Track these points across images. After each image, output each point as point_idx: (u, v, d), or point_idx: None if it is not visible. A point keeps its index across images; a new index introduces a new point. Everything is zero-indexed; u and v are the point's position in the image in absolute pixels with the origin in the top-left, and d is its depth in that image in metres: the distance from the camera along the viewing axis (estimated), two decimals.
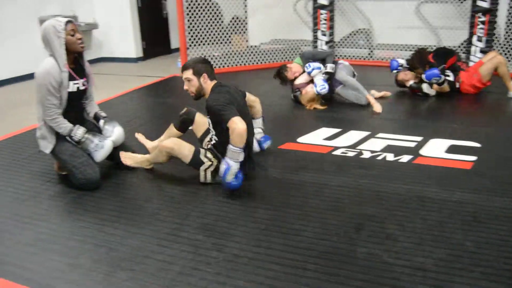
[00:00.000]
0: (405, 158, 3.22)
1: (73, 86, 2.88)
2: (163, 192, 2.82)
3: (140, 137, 3.48)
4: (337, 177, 2.93)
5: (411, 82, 4.99)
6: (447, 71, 4.80)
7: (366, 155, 3.31)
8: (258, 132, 3.32)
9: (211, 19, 6.73)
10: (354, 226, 2.33)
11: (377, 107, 4.34)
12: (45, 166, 3.27)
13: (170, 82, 6.37)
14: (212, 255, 2.12)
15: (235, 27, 7.09)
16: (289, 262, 2.04)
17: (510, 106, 4.63)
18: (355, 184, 2.82)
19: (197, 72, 2.79)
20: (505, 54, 6.03)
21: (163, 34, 9.06)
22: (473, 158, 3.18)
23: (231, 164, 2.59)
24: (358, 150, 3.40)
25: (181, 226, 2.38)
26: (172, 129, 3.23)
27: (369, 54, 7.26)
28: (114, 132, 3.01)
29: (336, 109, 4.54)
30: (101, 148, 2.88)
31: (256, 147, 3.23)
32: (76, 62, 2.93)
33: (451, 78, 4.82)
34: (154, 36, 8.67)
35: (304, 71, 4.65)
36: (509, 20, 6.07)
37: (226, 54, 7.06)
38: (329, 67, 4.57)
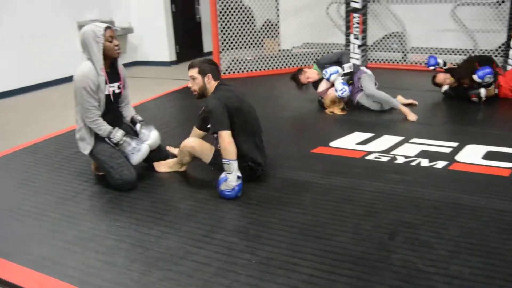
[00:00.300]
0: (440, 164, 3.16)
1: (108, 90, 2.97)
2: (197, 194, 2.86)
3: (170, 148, 3.54)
4: (370, 182, 2.91)
5: (446, 88, 4.90)
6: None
7: (400, 160, 3.27)
8: None
9: (243, 23, 6.79)
10: (388, 232, 2.31)
11: (412, 116, 4.21)
12: (83, 167, 3.38)
13: None
14: (246, 258, 2.14)
15: (267, 31, 7.13)
16: (322, 267, 2.05)
17: None
18: (389, 190, 2.79)
19: (202, 71, 2.86)
20: None
21: (196, 38, 9.20)
22: None
23: (227, 177, 2.68)
24: (392, 155, 3.36)
25: (215, 228, 2.42)
26: (195, 130, 3.31)
27: (402, 57, 7.16)
28: (150, 136, 3.08)
29: (368, 113, 4.50)
30: (138, 151, 2.95)
31: None
32: (112, 66, 3.01)
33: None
34: (187, 40, 8.82)
35: (323, 78, 4.63)
36: None
37: (258, 58, 7.10)
38: (347, 66, 4.53)
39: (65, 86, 6.87)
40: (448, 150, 3.41)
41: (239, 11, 6.70)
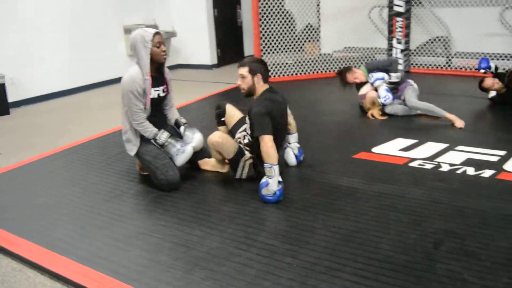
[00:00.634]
0: (487, 173, 3.07)
1: (154, 93, 3.06)
2: (239, 196, 2.90)
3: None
4: (414, 189, 2.86)
5: (493, 94, 4.75)
6: None
7: (445, 168, 3.20)
8: (297, 147, 3.36)
9: (284, 27, 6.82)
10: (432, 241, 2.27)
11: (459, 123, 4.10)
12: (128, 166, 3.49)
13: None
14: (287, 261, 2.15)
15: (308, 34, 7.12)
16: (365, 274, 2.03)
17: None
18: (434, 198, 2.73)
19: (253, 71, 2.90)
20: None
21: (237, 41, 9.29)
22: None
23: (268, 181, 2.70)
24: (436, 163, 3.29)
25: (257, 231, 2.44)
26: (218, 128, 3.37)
27: (447, 63, 6.99)
28: (194, 139, 3.14)
29: (412, 119, 4.42)
30: (182, 152, 3.02)
31: (293, 161, 3.31)
32: (158, 70, 3.09)
33: None
34: (228, 43, 8.92)
35: (367, 81, 4.58)
36: None
37: (299, 62, 7.10)
38: (394, 76, 4.47)
39: (111, 87, 7.10)
40: (495, 159, 3.31)
41: (280, 15, 6.73)
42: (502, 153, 3.41)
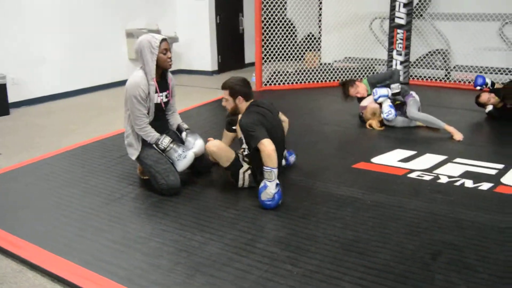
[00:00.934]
0: (485, 186, 3.10)
1: (157, 98, 3.08)
2: (239, 202, 2.91)
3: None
4: (413, 200, 2.89)
5: (490, 108, 4.80)
6: None
7: (443, 180, 3.23)
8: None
9: (285, 36, 6.87)
10: (431, 252, 2.29)
11: (458, 136, 4.13)
12: (128, 170, 3.50)
13: None
14: (287, 269, 2.17)
15: (309, 44, 7.18)
16: (365, 283, 2.04)
17: None
18: (432, 209, 2.76)
19: (233, 94, 2.99)
20: None
21: (238, 49, 9.34)
22: None
23: (267, 185, 2.73)
24: (435, 174, 3.32)
25: (257, 238, 2.45)
26: (225, 133, 3.45)
27: (446, 75, 7.05)
28: (196, 144, 3.16)
29: (411, 130, 4.46)
30: (184, 158, 3.04)
31: (283, 162, 3.34)
32: (162, 76, 3.11)
33: None
34: (230, 50, 8.97)
35: (369, 94, 4.62)
36: None
37: (299, 71, 7.14)
38: (394, 87, 4.49)
39: (112, 90, 7.13)
40: (493, 172, 3.34)
41: (281, 24, 6.78)
42: (500, 166, 3.44)
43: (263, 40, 6.74)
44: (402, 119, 4.52)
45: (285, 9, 6.90)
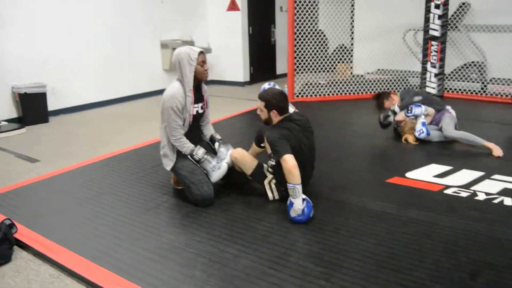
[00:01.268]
0: None
1: (193, 110, 3.12)
2: (271, 215, 2.91)
3: None
4: (449, 217, 2.82)
5: None
6: None
7: (481, 197, 3.14)
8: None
9: (317, 47, 6.87)
10: (469, 272, 2.23)
11: (498, 152, 4.01)
12: (162, 179, 3.56)
13: None
14: (320, 284, 2.15)
15: (340, 55, 7.15)
16: None
17: None
18: (470, 227, 2.69)
19: (268, 107, 3.01)
20: None
21: (269, 60, 9.40)
22: None
23: (292, 202, 2.74)
24: (472, 191, 3.24)
25: (290, 251, 2.45)
26: (253, 145, 3.47)
27: (482, 88, 6.89)
28: (228, 155, 3.19)
29: (446, 145, 4.37)
30: (218, 169, 3.07)
31: None
32: (197, 88, 3.16)
33: None
34: (261, 62, 9.05)
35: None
36: None
37: (331, 82, 7.12)
38: (429, 110, 4.45)
39: (147, 100, 7.28)
40: None
41: (313, 35, 6.79)
42: None
43: (295, 51, 6.76)
44: (438, 133, 4.44)
45: (317, 20, 6.91)
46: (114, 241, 2.62)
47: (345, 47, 7.26)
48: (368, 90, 7.15)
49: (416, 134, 4.39)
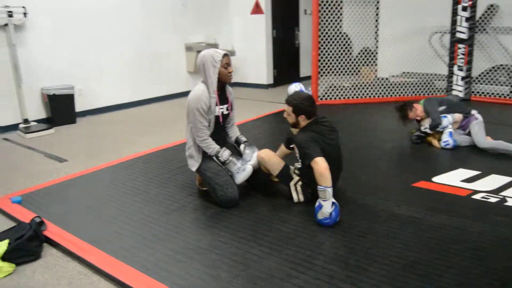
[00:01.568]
0: None
1: (218, 111, 3.14)
2: (296, 217, 2.91)
3: None
4: (478, 223, 2.76)
5: None
6: None
7: (510, 202, 3.07)
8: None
9: (341, 50, 6.83)
10: (499, 279, 2.18)
11: None
12: (187, 180, 3.59)
13: None
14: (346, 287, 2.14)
15: (365, 58, 7.10)
16: None
17: None
18: (499, 234, 2.63)
19: (296, 111, 3.00)
20: None
21: (293, 63, 9.39)
22: None
23: (322, 204, 2.72)
24: (501, 197, 3.17)
25: (315, 254, 2.44)
26: (282, 147, 3.44)
27: (510, 92, 6.74)
28: (253, 157, 3.20)
29: (474, 149, 4.28)
30: (243, 171, 3.08)
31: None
32: (222, 89, 3.19)
33: None
34: (285, 64, 9.04)
35: (428, 116, 4.47)
36: None
37: (355, 85, 7.07)
38: (456, 117, 4.38)
39: (172, 102, 7.37)
40: None
41: (337, 38, 6.76)
42: None
43: (319, 54, 6.74)
44: (464, 138, 4.36)
45: (341, 23, 6.87)
46: (140, 240, 2.66)
47: (370, 50, 7.20)
48: (393, 93, 7.07)
49: (443, 144, 4.32)
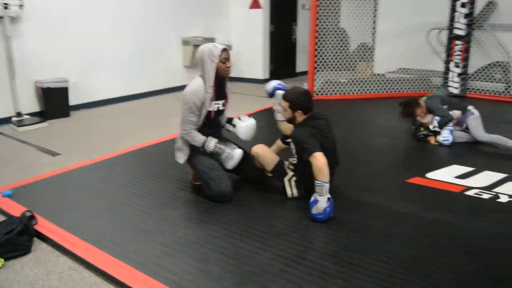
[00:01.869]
0: None
1: (214, 106, 3.12)
2: (290, 213, 2.89)
3: None
4: (471, 219, 2.76)
5: None
6: None
7: (504, 199, 3.07)
8: None
9: (338, 45, 6.80)
10: (495, 276, 2.17)
11: None
12: (180, 175, 3.56)
13: None
14: (338, 284, 2.12)
15: (361, 54, 7.07)
16: None
17: None
18: (493, 230, 2.62)
19: (293, 107, 2.97)
20: None
21: (290, 57, 9.35)
22: None
23: (318, 199, 2.70)
24: (494, 193, 3.16)
25: (308, 250, 2.42)
26: (278, 142, 3.45)
27: (506, 89, 6.74)
28: (248, 121, 3.25)
29: (468, 145, 4.28)
30: (231, 158, 3.08)
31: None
32: (219, 84, 3.15)
33: None
34: (282, 59, 9.00)
35: (431, 113, 4.45)
36: None
37: (351, 81, 7.06)
38: (456, 114, 4.37)
39: (168, 96, 7.32)
40: None
41: (334, 33, 6.73)
42: None
43: (316, 49, 6.71)
44: (460, 134, 4.35)
45: (339, 18, 6.84)
46: (131, 235, 2.63)
47: (367, 46, 7.18)
48: (388, 89, 7.05)
49: (442, 139, 4.30)
